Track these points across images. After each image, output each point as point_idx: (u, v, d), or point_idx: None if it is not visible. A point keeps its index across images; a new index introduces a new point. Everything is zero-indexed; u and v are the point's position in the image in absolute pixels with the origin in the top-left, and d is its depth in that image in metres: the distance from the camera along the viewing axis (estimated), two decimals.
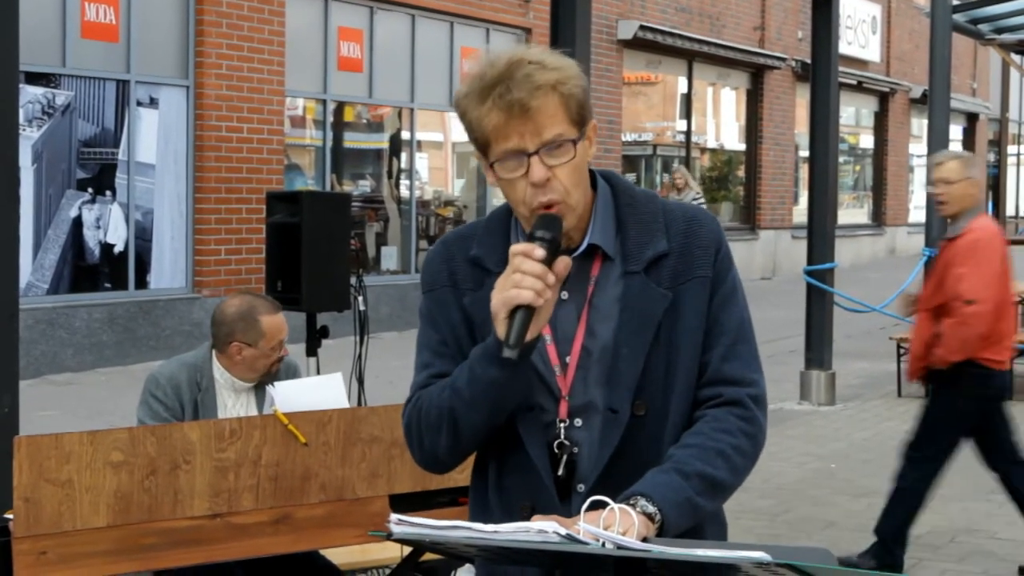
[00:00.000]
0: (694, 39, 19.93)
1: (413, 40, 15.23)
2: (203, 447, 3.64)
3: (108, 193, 11.97)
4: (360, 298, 6.41)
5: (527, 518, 2.10)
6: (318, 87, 14.18)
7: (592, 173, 2.33)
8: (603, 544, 1.94)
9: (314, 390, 4.29)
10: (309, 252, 5.94)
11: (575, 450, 2.26)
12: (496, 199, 16.02)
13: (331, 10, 14.17)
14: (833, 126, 11.06)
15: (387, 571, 4.44)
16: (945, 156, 6.16)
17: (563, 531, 1.94)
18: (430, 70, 15.47)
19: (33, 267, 11.29)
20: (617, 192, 2.35)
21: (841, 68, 12.85)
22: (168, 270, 12.56)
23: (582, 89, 2.23)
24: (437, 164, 16.69)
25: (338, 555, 4.26)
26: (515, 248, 2.17)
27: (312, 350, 6.25)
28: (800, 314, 11.04)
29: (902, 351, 10.16)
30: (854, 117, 27.10)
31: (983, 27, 13.90)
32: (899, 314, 6.53)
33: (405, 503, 3.84)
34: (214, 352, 4.32)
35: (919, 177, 27.16)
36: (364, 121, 15.41)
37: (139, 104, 12.19)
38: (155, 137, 12.35)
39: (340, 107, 14.73)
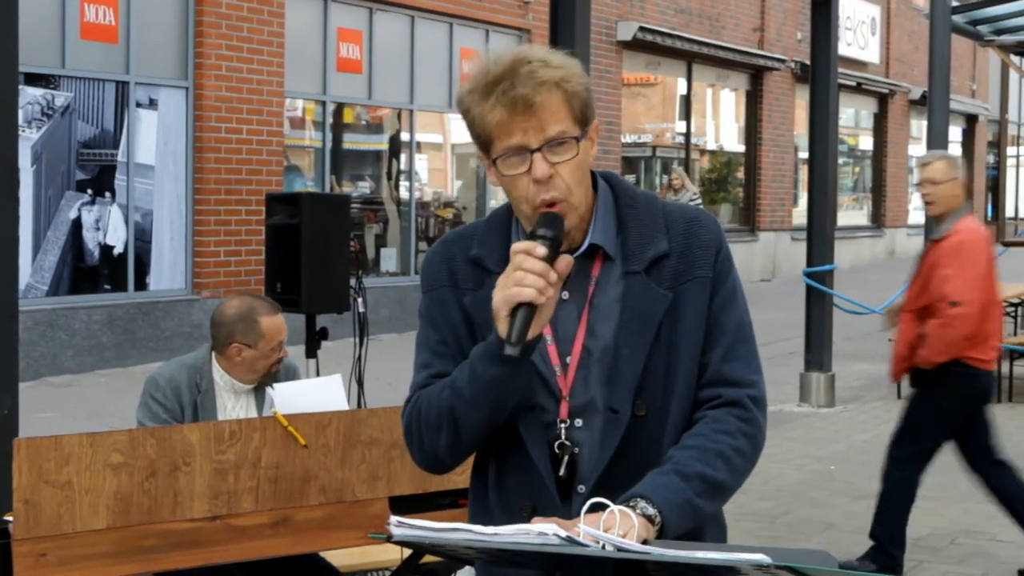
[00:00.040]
0: (693, 40, 19.94)
1: (412, 41, 15.24)
2: (203, 449, 3.64)
3: (107, 194, 11.97)
4: (359, 300, 6.41)
5: (528, 518, 2.10)
6: (317, 88, 14.18)
7: (592, 174, 2.34)
8: (603, 546, 1.94)
9: (314, 392, 4.29)
10: (308, 254, 5.94)
11: (576, 450, 2.27)
12: (495, 201, 16.03)
13: (330, 11, 14.17)
14: (832, 127, 11.06)
15: (387, 573, 4.43)
16: (932, 156, 6.18)
17: (563, 533, 1.94)
18: (429, 71, 15.48)
19: (32, 268, 11.29)
20: (618, 193, 2.35)
21: (840, 69, 12.86)
22: (167, 272, 12.55)
23: (585, 88, 2.24)
24: (436, 165, 16.69)
25: (338, 557, 4.26)
26: (517, 246, 2.16)
27: (312, 352, 6.25)
28: (800, 316, 11.04)
29: None
30: (853, 118, 27.11)
31: (982, 28, 13.90)
32: (886, 325, 6.54)
33: (405, 505, 3.84)
34: (214, 354, 4.31)
35: (919, 179, 27.15)
36: (363, 122, 15.41)
37: (138, 105, 12.19)
38: (154, 138, 12.35)
39: (339, 108, 14.73)
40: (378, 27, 14.76)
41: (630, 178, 19.18)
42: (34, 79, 11.22)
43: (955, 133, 29.71)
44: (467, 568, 3.18)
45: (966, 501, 7.14)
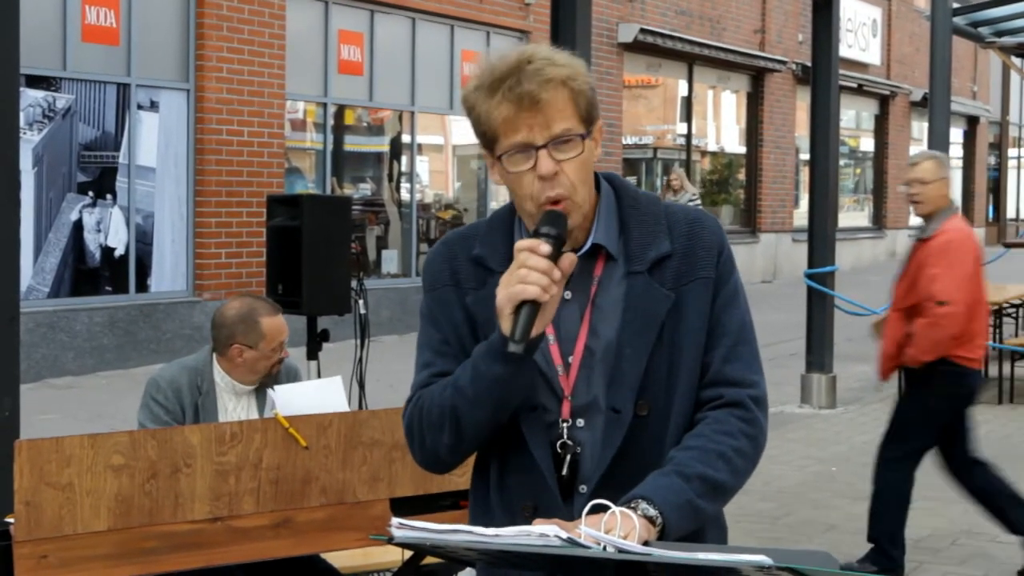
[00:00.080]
0: (694, 42, 19.94)
1: (413, 43, 15.24)
2: (204, 450, 3.64)
3: (109, 196, 11.97)
4: (361, 301, 6.41)
5: (529, 519, 2.09)
6: (318, 90, 14.18)
7: (595, 175, 2.34)
8: (604, 548, 1.94)
9: (315, 393, 4.29)
10: (309, 255, 5.94)
11: (578, 450, 2.26)
12: (496, 202, 16.04)
13: (331, 13, 14.18)
14: (834, 129, 11.06)
15: (388, 575, 4.43)
16: (920, 156, 6.19)
17: (564, 535, 1.93)
18: (430, 73, 15.48)
19: (34, 270, 11.29)
20: (620, 194, 2.35)
21: (841, 71, 12.86)
22: (169, 273, 12.56)
23: (590, 87, 2.24)
24: (438, 167, 16.70)
25: (339, 559, 4.26)
26: (521, 244, 2.17)
27: (313, 353, 6.25)
28: (801, 317, 11.04)
29: None
30: (854, 120, 27.11)
31: (983, 30, 13.90)
32: (873, 335, 6.55)
33: (406, 506, 3.83)
34: (215, 355, 4.31)
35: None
36: (364, 124, 15.41)
37: (139, 107, 12.19)
38: (155, 140, 12.36)
39: (340, 110, 14.74)
40: (379, 29, 14.76)
41: (631, 180, 19.17)
42: (35, 81, 11.23)
43: (956, 135, 29.73)
44: (468, 570, 3.18)
45: (966, 502, 7.13)
